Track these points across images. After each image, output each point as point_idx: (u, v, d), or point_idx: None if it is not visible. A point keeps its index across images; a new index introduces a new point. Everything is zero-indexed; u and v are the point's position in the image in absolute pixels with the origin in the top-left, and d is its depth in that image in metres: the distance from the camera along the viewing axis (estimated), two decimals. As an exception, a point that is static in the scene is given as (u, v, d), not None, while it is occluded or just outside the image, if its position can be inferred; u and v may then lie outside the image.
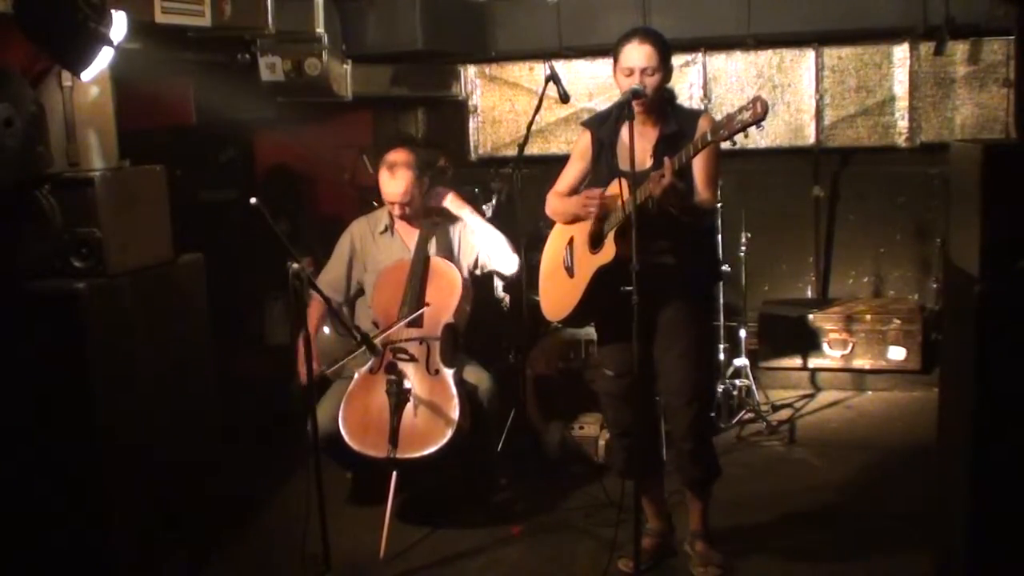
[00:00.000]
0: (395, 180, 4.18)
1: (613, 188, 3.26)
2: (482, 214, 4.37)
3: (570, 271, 3.52)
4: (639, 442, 3.41)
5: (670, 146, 3.21)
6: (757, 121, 2.85)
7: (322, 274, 4.36)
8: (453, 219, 4.39)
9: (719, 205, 4.49)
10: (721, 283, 4.10)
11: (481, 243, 4.30)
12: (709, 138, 2.98)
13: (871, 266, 6.06)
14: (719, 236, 4.83)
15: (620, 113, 3.28)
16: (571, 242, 3.53)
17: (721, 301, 4.88)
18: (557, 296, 3.58)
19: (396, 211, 4.25)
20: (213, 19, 4.28)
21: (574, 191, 3.57)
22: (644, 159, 3.29)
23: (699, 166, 3.29)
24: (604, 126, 3.43)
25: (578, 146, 3.57)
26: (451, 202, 4.30)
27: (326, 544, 3.36)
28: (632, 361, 3.16)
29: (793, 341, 5.60)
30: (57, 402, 3.24)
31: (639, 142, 3.33)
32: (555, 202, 3.59)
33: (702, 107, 5.70)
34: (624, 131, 3.19)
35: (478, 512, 4.12)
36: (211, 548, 3.81)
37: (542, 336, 4.97)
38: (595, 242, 3.39)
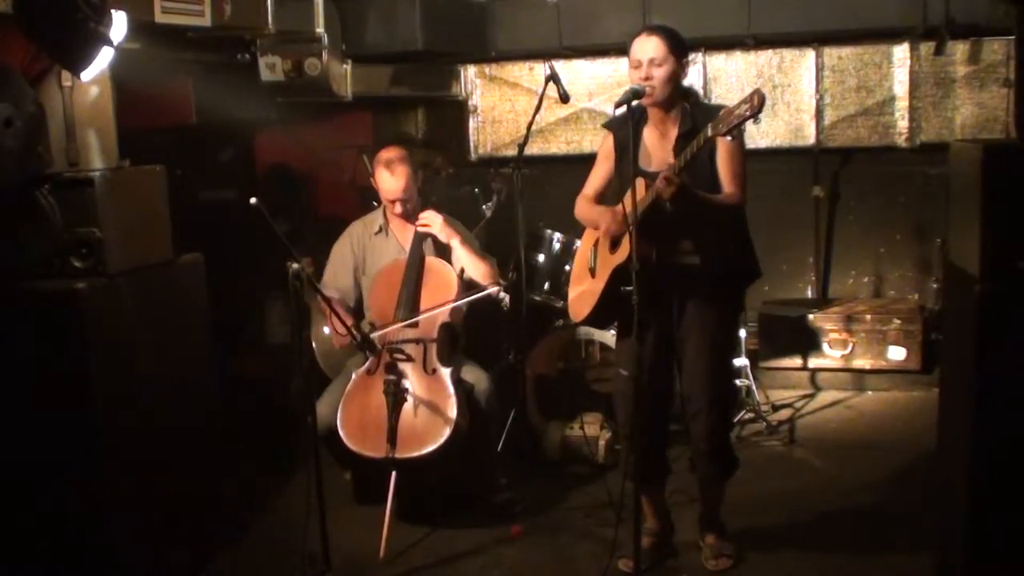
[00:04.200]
0: (395, 177, 4.17)
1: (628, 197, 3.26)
2: (470, 245, 4.31)
3: (593, 272, 3.53)
4: (647, 444, 3.41)
5: (688, 144, 3.21)
6: (755, 114, 2.84)
7: (328, 279, 4.34)
8: (450, 222, 4.39)
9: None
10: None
11: (465, 264, 4.28)
12: (709, 133, 2.97)
13: (871, 266, 6.06)
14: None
15: (633, 114, 3.27)
16: (596, 244, 3.55)
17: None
18: (581, 297, 3.59)
19: (397, 208, 4.24)
20: (213, 19, 4.28)
21: (601, 193, 3.57)
22: (666, 159, 3.28)
23: (722, 162, 3.27)
24: (624, 127, 3.43)
25: (602, 148, 3.56)
26: (440, 230, 4.24)
27: (326, 544, 3.36)
28: (649, 362, 3.16)
29: (793, 341, 5.60)
30: (57, 402, 3.24)
31: (661, 142, 3.34)
32: (583, 207, 3.59)
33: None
34: (644, 132, 3.20)
35: (478, 512, 4.12)
36: (211, 548, 3.81)
37: (542, 336, 4.97)
38: (615, 242, 3.39)
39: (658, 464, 3.58)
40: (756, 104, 2.83)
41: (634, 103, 3.21)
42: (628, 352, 3.44)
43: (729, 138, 3.02)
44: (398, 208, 4.24)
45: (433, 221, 4.23)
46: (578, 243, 3.94)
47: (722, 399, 3.44)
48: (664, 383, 3.51)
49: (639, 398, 3.26)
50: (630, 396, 3.44)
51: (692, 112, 3.33)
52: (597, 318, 3.56)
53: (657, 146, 3.32)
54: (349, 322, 3.96)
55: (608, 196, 3.57)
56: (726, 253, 3.37)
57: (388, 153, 4.23)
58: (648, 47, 3.26)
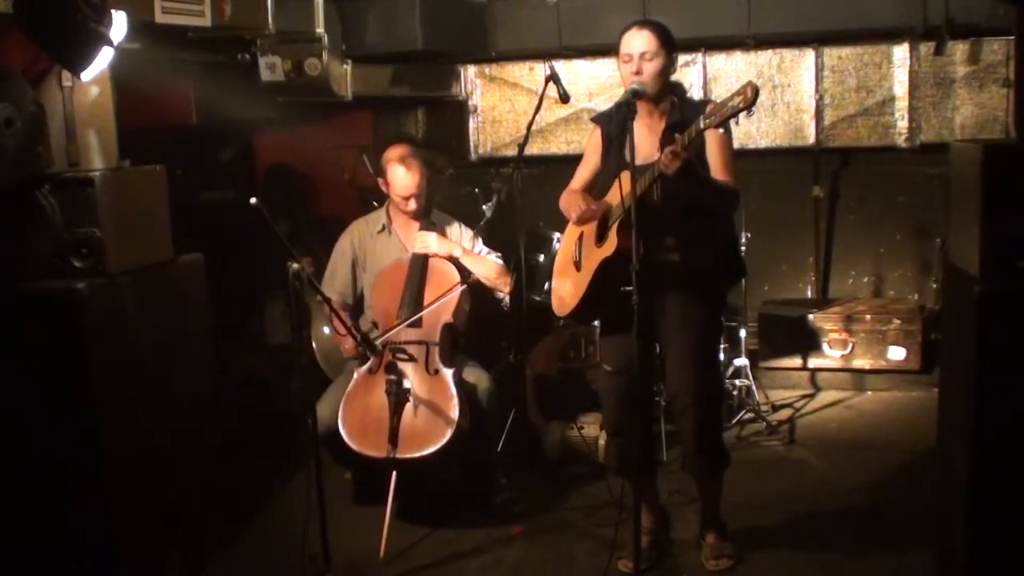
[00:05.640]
0: (411, 172, 4.14)
1: (614, 190, 3.26)
2: (471, 251, 4.30)
3: (578, 265, 3.53)
4: (631, 440, 3.42)
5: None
6: (748, 107, 2.82)
7: (327, 278, 4.35)
8: (449, 221, 4.39)
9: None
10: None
11: (474, 270, 4.27)
12: (702, 125, 2.96)
13: (871, 266, 6.06)
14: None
15: (621, 110, 3.27)
16: (581, 237, 3.55)
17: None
18: (565, 290, 3.59)
19: (411, 205, 4.20)
20: (213, 19, 4.28)
21: (588, 187, 3.58)
22: (652, 152, 3.28)
23: (713, 154, 3.27)
24: (613, 122, 3.43)
25: (590, 142, 3.58)
26: (439, 247, 4.21)
27: (326, 544, 3.36)
28: (630, 357, 3.19)
29: (793, 341, 5.60)
30: (57, 402, 3.24)
31: (648, 136, 3.35)
32: (565, 198, 3.59)
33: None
34: (632, 126, 3.19)
35: (478, 512, 4.12)
36: (211, 548, 3.81)
37: (542, 336, 4.97)
38: (600, 235, 3.39)
39: (644, 458, 3.58)
40: (750, 96, 2.81)
41: (623, 102, 3.21)
42: (612, 348, 3.47)
43: (721, 130, 3.01)
44: (412, 205, 4.21)
45: (428, 240, 4.21)
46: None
47: (708, 396, 3.43)
48: (647, 378, 3.51)
49: (631, 393, 3.28)
50: (614, 392, 3.46)
51: (680, 106, 3.33)
52: (582, 313, 3.56)
53: (644, 140, 3.31)
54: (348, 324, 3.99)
55: (596, 190, 3.57)
56: (710, 250, 3.37)
57: (399, 149, 4.22)
58: (639, 41, 3.26)
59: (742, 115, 2.88)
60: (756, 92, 2.80)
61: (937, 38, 5.34)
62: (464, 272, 4.22)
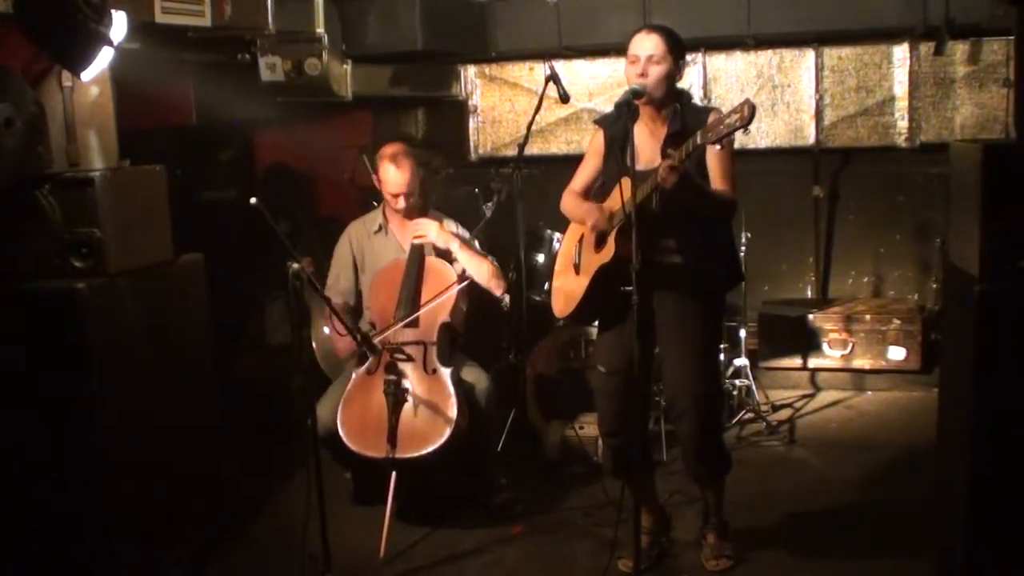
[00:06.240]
0: (400, 170, 4.14)
1: (614, 195, 3.26)
2: (470, 247, 4.30)
3: (577, 268, 3.53)
4: (627, 441, 3.42)
5: (677, 144, 3.20)
6: (744, 125, 2.82)
7: (332, 282, 4.34)
8: (447, 221, 4.39)
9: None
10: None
11: (467, 267, 4.27)
12: (699, 140, 2.96)
13: (871, 266, 6.06)
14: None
15: (623, 113, 3.27)
16: (581, 239, 3.54)
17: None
18: (564, 293, 3.60)
19: (400, 203, 4.21)
20: (213, 19, 4.28)
21: (588, 188, 3.58)
22: (654, 158, 3.28)
23: (713, 163, 3.28)
24: (616, 124, 3.43)
25: (592, 144, 3.57)
26: (438, 236, 4.21)
27: (326, 544, 3.36)
28: (623, 358, 3.22)
29: (793, 341, 5.60)
30: (57, 402, 3.24)
31: (650, 141, 3.35)
32: (569, 201, 3.59)
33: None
34: (635, 130, 3.20)
35: (478, 512, 4.12)
36: (211, 548, 3.81)
37: (542, 336, 4.97)
38: (600, 241, 3.39)
39: (639, 459, 3.57)
40: (746, 115, 2.81)
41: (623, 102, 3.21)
42: (605, 348, 3.49)
43: (718, 147, 3.01)
44: (401, 203, 4.21)
45: (428, 228, 4.20)
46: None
47: (706, 400, 3.41)
48: (642, 379, 3.50)
49: (626, 394, 3.30)
50: (607, 393, 3.47)
51: (683, 113, 3.34)
52: (580, 315, 3.56)
53: (646, 145, 3.32)
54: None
55: (595, 192, 3.57)
56: (709, 254, 3.37)
57: (392, 148, 4.22)
58: (647, 44, 3.27)
59: (738, 132, 2.89)
60: (753, 110, 2.81)
61: (937, 38, 5.34)
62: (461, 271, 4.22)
